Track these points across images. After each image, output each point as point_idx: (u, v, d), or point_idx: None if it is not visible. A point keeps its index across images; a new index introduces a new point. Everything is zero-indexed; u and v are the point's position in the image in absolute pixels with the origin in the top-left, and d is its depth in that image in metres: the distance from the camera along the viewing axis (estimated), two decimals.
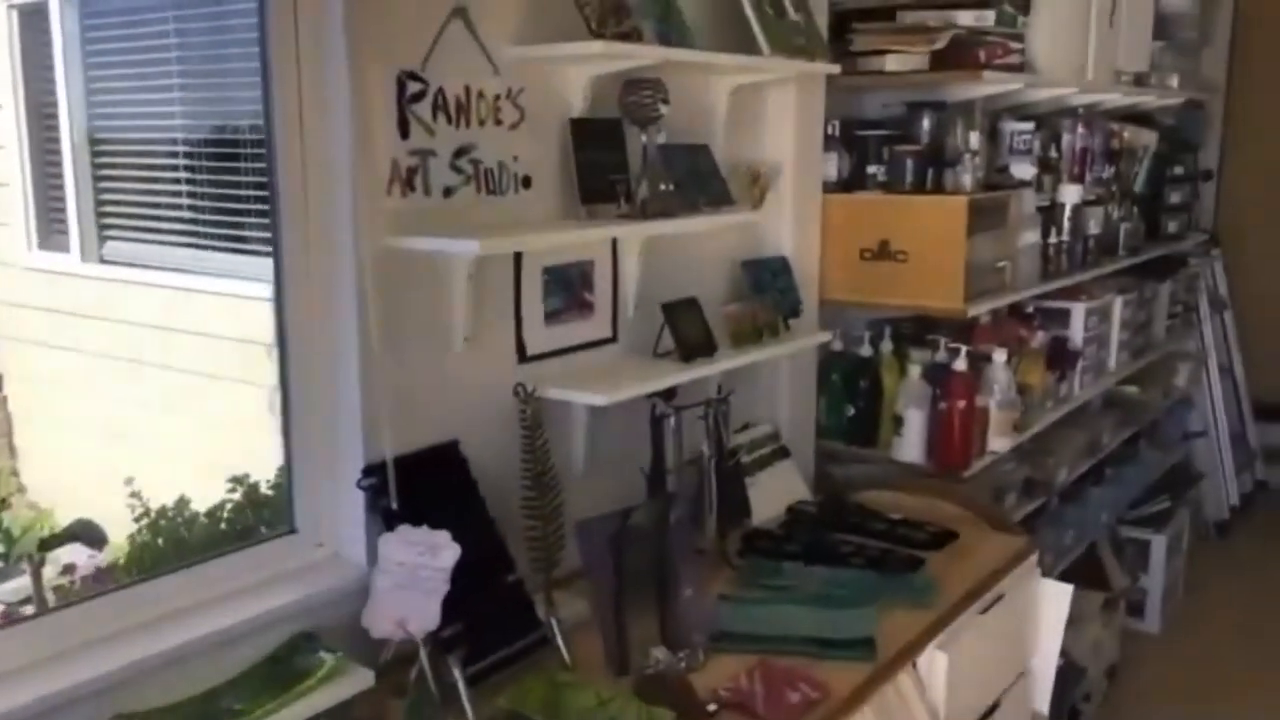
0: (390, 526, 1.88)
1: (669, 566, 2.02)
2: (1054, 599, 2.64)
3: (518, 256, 2.17)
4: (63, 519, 2.94)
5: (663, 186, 2.26)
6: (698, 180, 2.46)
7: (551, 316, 2.27)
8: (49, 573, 2.76)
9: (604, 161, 2.24)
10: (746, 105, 2.74)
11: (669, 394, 2.32)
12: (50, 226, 3.79)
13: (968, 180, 2.88)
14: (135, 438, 3.59)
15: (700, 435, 2.39)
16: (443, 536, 1.75)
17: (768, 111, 2.84)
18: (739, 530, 2.60)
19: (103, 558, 2.78)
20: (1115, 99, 3.98)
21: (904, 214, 2.91)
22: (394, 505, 1.84)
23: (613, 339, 2.44)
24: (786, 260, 2.85)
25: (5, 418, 3.70)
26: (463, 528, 1.98)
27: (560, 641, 1.98)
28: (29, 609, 2.64)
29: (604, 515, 1.98)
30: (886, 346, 3.17)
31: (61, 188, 3.71)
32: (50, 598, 2.68)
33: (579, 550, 1.97)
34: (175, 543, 2.77)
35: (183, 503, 2.82)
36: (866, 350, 3.10)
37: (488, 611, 1.93)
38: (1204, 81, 5.11)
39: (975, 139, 2.96)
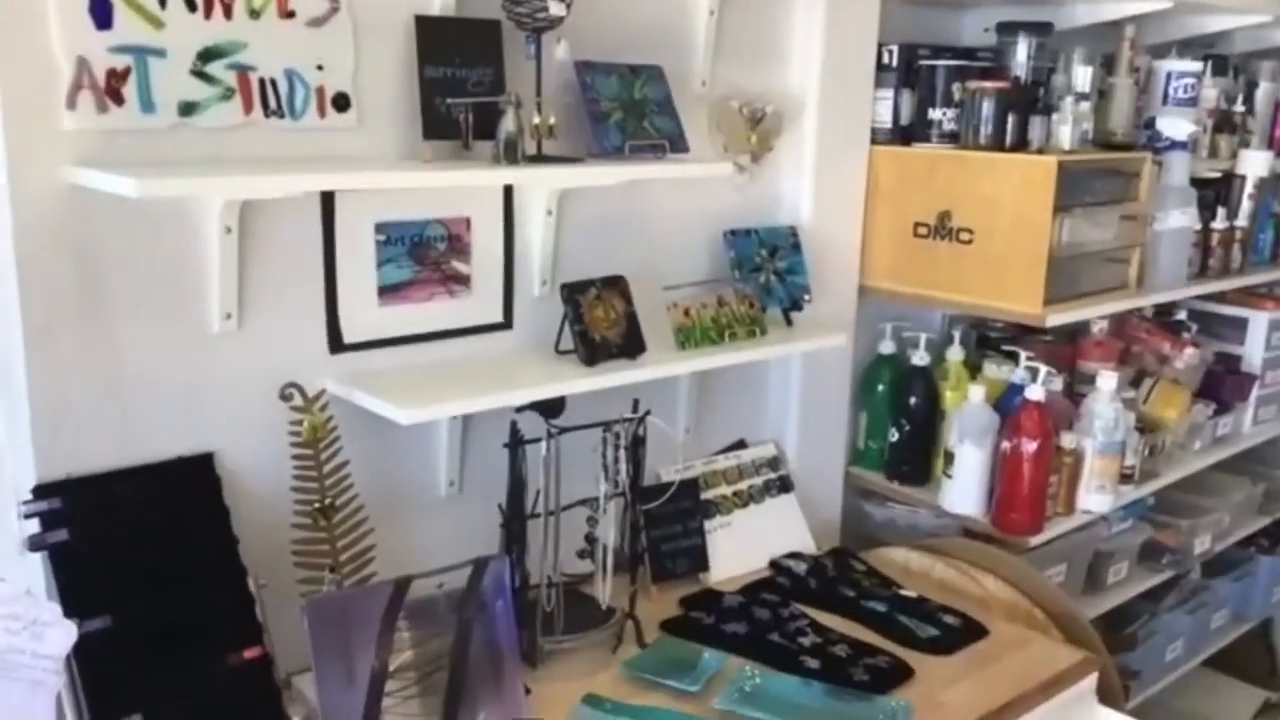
0: (65, 572, 1.36)
1: (457, 674, 1.40)
2: None
3: (328, 207, 1.58)
4: None
5: (537, 120, 1.60)
6: (633, 115, 1.78)
7: (392, 291, 1.67)
8: None
9: (465, 82, 1.61)
10: (748, 20, 2.02)
11: (553, 408, 1.68)
12: None
13: (1067, 135, 2.04)
14: None
15: (606, 465, 1.73)
16: (51, 611, 1.21)
17: (789, 30, 2.10)
18: (684, 589, 1.95)
19: None
20: None
21: (969, 177, 2.11)
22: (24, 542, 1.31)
23: (505, 325, 1.82)
24: (796, 232, 2.12)
25: None
26: (191, 575, 1.44)
27: None
28: None
29: (356, 590, 1.39)
30: (955, 354, 2.38)
31: None
32: None
33: (308, 645, 1.37)
34: None
35: None
36: (921, 357, 2.32)
37: (200, 704, 1.39)
38: None
39: (1085, 77, 2.11)
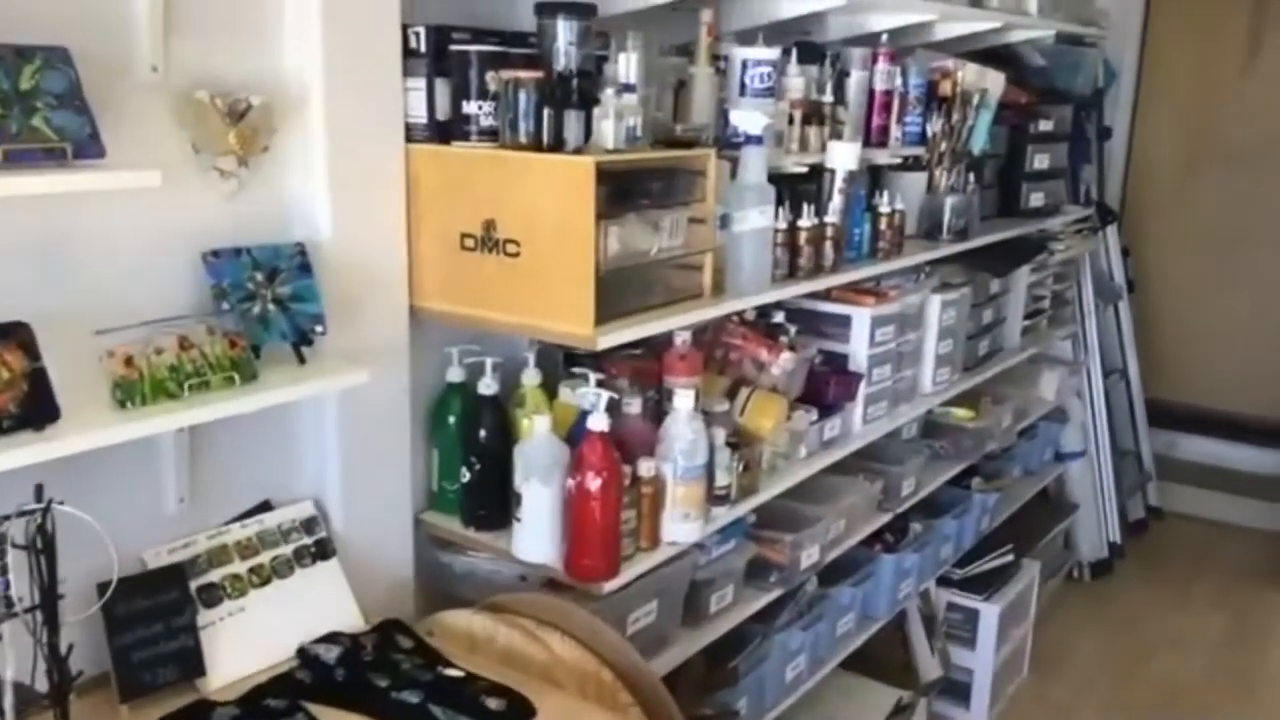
0: None
1: None
2: None
3: None
4: None
5: None
6: (19, 112, 1.36)
7: None
8: None
9: None
10: None
11: None
12: None
13: (610, 131, 1.80)
14: None
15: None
16: None
17: (275, 3, 1.74)
18: (173, 703, 1.56)
19: None
20: (942, 23, 2.92)
21: (509, 180, 1.83)
22: None
23: None
24: (304, 250, 1.76)
25: None
26: None
27: None
28: None
29: None
30: (531, 378, 2.10)
31: None
32: None
33: None
34: None
35: None
36: (488, 385, 2.03)
37: None
38: (1090, 11, 4.02)
39: (632, 65, 1.87)
